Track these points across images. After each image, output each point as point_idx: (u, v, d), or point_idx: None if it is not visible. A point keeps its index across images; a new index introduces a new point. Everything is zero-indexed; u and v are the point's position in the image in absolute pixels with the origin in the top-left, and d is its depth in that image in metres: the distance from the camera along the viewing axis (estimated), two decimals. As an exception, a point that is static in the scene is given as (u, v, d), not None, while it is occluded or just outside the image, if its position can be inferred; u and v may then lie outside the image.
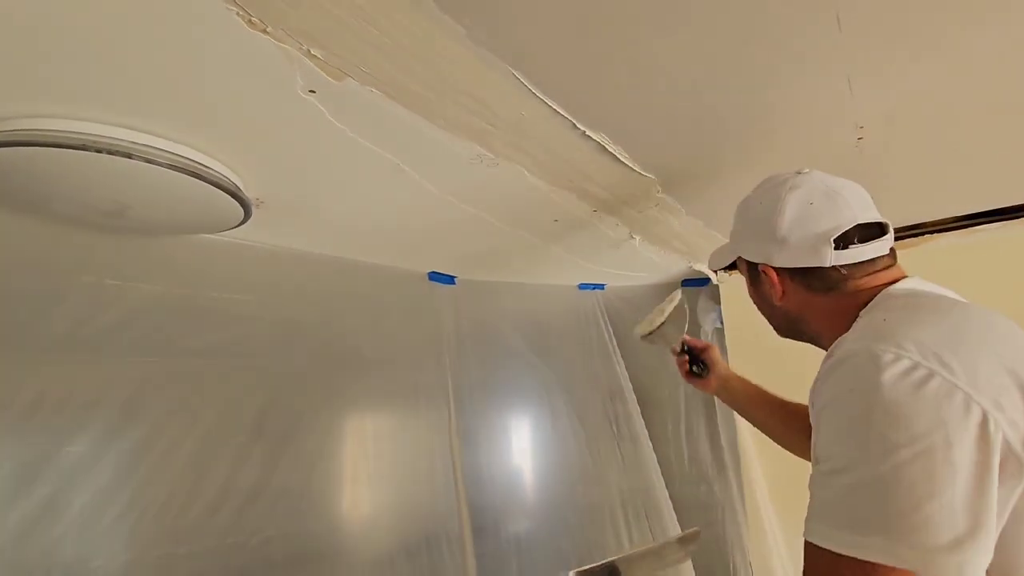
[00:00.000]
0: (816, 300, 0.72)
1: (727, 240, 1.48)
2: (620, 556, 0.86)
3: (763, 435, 1.63)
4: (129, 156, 0.90)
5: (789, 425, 1.05)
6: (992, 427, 0.50)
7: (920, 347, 0.54)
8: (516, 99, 0.82)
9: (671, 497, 1.68)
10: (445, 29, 0.68)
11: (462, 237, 1.49)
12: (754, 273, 0.79)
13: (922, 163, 1.08)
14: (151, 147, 0.91)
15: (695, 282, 1.90)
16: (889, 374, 0.53)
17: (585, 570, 0.83)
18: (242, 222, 1.18)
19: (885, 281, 0.69)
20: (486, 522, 1.65)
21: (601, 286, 1.97)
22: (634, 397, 1.81)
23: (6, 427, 1.07)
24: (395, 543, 1.52)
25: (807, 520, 0.57)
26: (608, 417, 1.80)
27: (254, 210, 1.17)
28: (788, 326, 0.79)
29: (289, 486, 1.31)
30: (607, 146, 0.96)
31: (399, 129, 0.89)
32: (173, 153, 0.94)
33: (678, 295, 1.17)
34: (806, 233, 0.70)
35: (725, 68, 0.78)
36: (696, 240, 1.48)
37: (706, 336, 1.83)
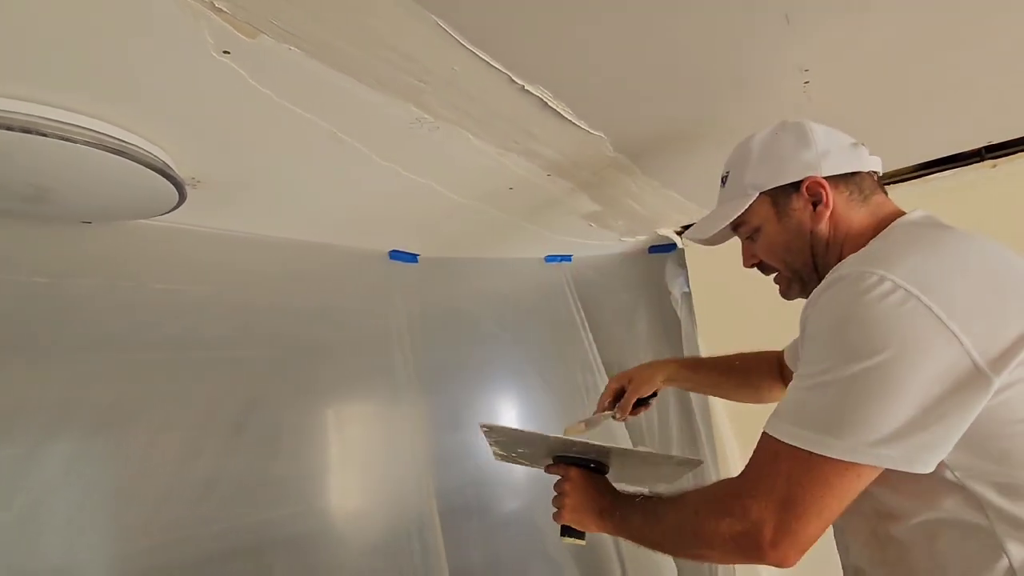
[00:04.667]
0: (852, 215, 0.74)
1: (685, 200, 1.50)
2: (618, 447, 0.88)
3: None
4: (42, 134, 0.84)
5: (746, 380, 1.09)
6: (957, 351, 0.55)
7: (906, 271, 0.58)
8: (445, 52, 0.78)
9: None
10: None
11: (419, 212, 1.45)
12: (784, 202, 0.77)
13: (871, 108, 1.06)
14: (65, 123, 0.86)
15: (661, 248, 1.88)
16: (870, 295, 0.57)
17: (578, 442, 0.86)
18: (178, 204, 1.13)
19: (894, 211, 0.75)
20: (459, 502, 1.64)
21: (568, 257, 1.94)
22: (602, 368, 1.80)
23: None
24: (368, 528, 1.50)
25: (769, 417, 0.63)
26: (578, 389, 1.79)
27: (190, 191, 1.12)
28: (819, 259, 0.76)
29: (248, 474, 1.28)
30: (549, 101, 0.92)
31: (328, 91, 0.85)
32: (90, 129, 0.88)
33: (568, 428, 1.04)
34: (840, 141, 0.76)
35: (663, 11, 0.75)
36: (655, 202, 1.46)
37: (675, 302, 1.82)
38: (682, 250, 1.79)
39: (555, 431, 1.78)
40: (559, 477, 0.89)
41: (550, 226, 1.63)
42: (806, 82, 0.94)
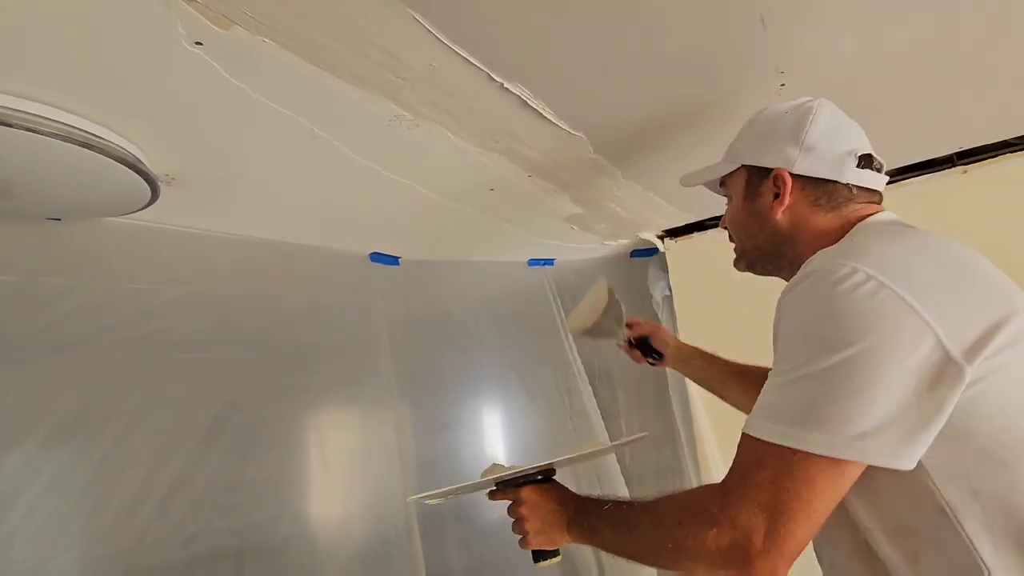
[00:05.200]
0: (815, 218, 0.73)
1: (667, 204, 1.51)
2: (561, 459, 0.84)
3: (715, 402, 1.63)
4: (6, 124, 0.82)
5: (748, 391, 1.05)
6: (931, 340, 0.54)
7: (877, 263, 0.57)
8: (424, 47, 0.77)
9: (624, 466, 1.67)
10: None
11: (400, 213, 1.43)
12: (756, 183, 0.77)
13: (846, 112, 1.08)
14: (31, 114, 0.84)
15: (643, 252, 1.89)
16: (842, 286, 0.57)
17: (514, 468, 0.80)
18: (151, 201, 1.10)
19: (870, 213, 0.72)
20: (441, 508, 1.61)
21: (551, 261, 1.94)
22: (583, 370, 1.80)
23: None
24: (346, 534, 1.47)
25: (747, 418, 0.61)
26: (560, 392, 1.78)
27: (164, 188, 1.10)
28: (769, 247, 0.77)
29: (223, 478, 1.25)
30: (529, 100, 0.92)
31: (304, 86, 0.84)
32: (57, 121, 0.86)
33: (603, 284, 1.14)
34: (833, 146, 0.73)
35: (641, 13, 0.75)
36: (636, 205, 1.47)
37: (657, 306, 1.83)
38: (663, 254, 1.80)
39: (537, 437, 1.74)
40: (508, 503, 0.81)
41: (532, 228, 1.63)
42: (782, 84, 0.95)
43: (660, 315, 1.80)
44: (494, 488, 0.83)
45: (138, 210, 1.14)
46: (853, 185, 0.72)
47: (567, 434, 1.74)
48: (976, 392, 0.54)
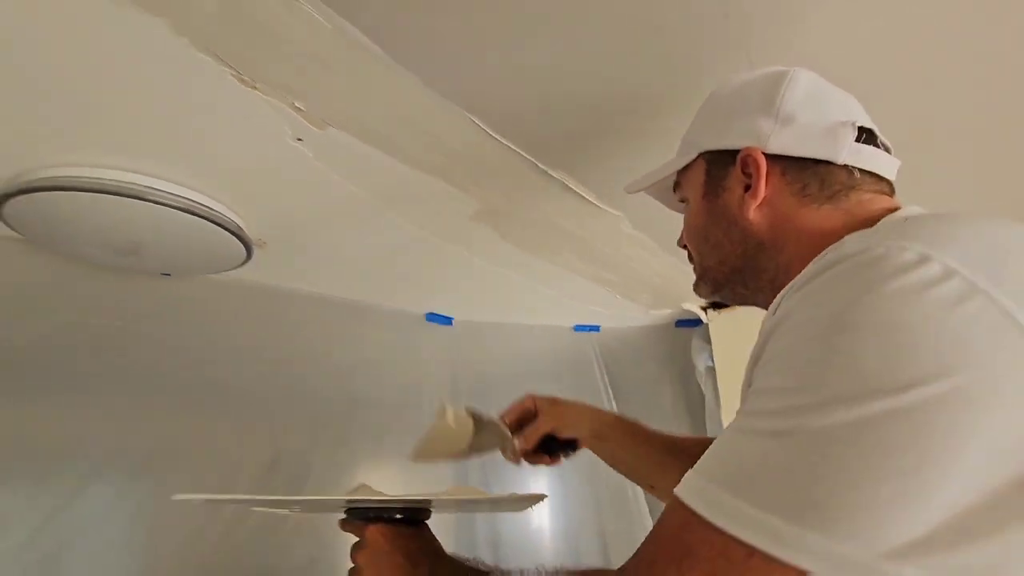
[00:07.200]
0: (804, 213, 0.51)
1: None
2: (439, 495, 0.64)
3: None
4: (141, 199, 1.02)
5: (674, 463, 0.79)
6: None
7: (960, 251, 0.35)
8: (480, 143, 0.91)
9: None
10: (401, 78, 0.78)
11: (455, 277, 1.57)
12: (718, 174, 0.56)
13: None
14: (161, 190, 1.03)
15: (688, 323, 1.92)
16: (905, 280, 0.34)
17: (373, 501, 0.63)
18: (244, 262, 1.28)
19: (888, 207, 0.50)
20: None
21: (596, 327, 2.00)
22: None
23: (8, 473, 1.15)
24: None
25: (691, 472, 0.39)
26: (596, 461, 1.78)
27: (256, 250, 1.28)
28: (740, 260, 0.55)
29: (271, 518, 1.34)
30: (570, 184, 1.04)
31: (381, 173, 0.99)
32: (180, 196, 1.05)
33: (445, 412, 0.85)
34: (820, 115, 0.52)
35: (650, 85, 0.85)
36: (676, 276, 1.53)
37: (700, 376, 1.84)
38: (707, 325, 1.82)
39: (568, 505, 1.70)
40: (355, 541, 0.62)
41: (579, 296, 1.71)
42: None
43: (704, 387, 1.80)
44: (343, 516, 0.65)
45: (232, 269, 1.33)
46: (853, 167, 0.51)
47: (601, 508, 1.73)
48: None
